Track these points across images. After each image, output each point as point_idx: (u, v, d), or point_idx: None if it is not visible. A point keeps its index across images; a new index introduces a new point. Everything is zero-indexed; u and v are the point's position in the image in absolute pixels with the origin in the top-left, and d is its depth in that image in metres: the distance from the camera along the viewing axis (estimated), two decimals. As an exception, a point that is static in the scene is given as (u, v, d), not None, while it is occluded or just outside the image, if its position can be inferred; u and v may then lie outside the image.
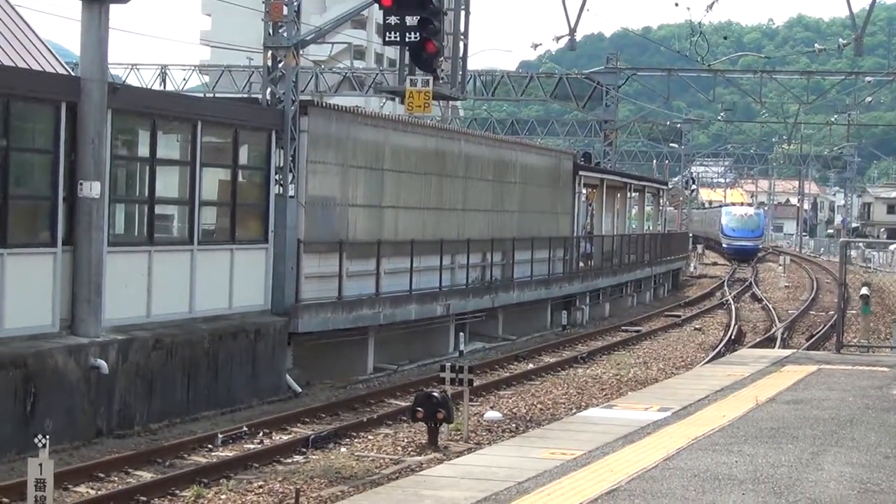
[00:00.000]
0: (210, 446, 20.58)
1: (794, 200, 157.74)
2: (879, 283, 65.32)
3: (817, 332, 40.85)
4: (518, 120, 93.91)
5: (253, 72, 64.66)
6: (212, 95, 59.22)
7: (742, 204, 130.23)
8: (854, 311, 43.14)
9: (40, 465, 13.40)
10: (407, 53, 26.49)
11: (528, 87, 66.05)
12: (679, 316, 49.25)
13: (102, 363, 20.67)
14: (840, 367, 23.00)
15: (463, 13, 27.75)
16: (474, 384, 22.82)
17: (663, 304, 56.24)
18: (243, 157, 27.06)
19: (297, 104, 27.38)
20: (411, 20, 25.27)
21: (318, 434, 21.31)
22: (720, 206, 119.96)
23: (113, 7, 21.80)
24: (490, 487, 11.78)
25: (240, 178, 26.66)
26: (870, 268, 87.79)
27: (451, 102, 59.89)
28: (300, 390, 26.46)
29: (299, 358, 27.35)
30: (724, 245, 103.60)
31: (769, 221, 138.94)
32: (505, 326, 38.76)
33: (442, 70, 26.58)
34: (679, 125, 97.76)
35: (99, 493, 17.08)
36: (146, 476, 18.26)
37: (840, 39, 58.82)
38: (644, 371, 31.94)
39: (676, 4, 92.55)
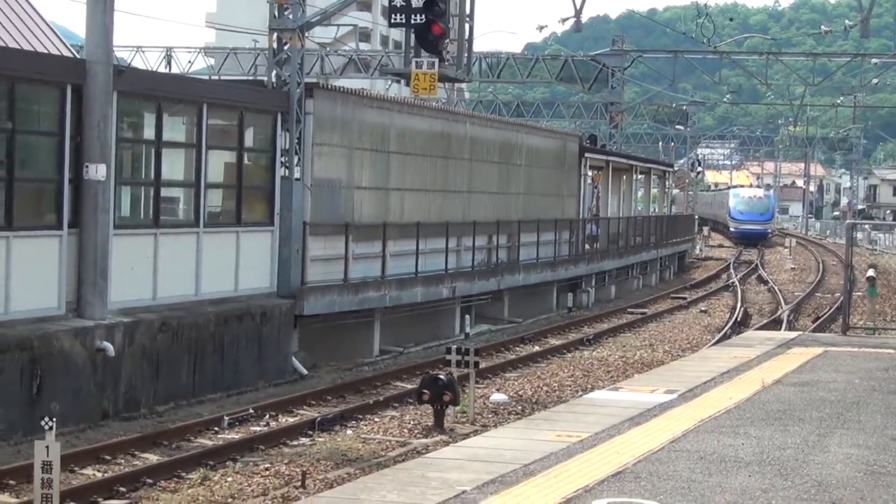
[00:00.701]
0: (216, 429, 20.61)
1: (799, 182, 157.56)
2: (886, 265, 65.25)
3: (823, 315, 40.82)
4: (523, 102, 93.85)
5: (258, 54, 64.56)
6: (217, 78, 59.22)
7: (751, 186, 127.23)
8: (860, 294, 43.10)
9: (47, 447, 13.41)
10: (412, 35, 26.46)
11: (533, 69, 65.88)
12: (685, 298, 49.22)
13: (108, 346, 20.69)
14: (846, 349, 22.98)
15: (468, -5, 27.68)
16: (480, 366, 22.84)
17: (669, 287, 56.21)
18: (249, 139, 27.06)
19: (302, 86, 27.36)
20: (417, 2, 25.25)
21: (324, 416, 21.33)
22: (727, 189, 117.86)
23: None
24: (496, 470, 11.78)
25: (245, 161, 26.65)
26: (876, 250, 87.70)
27: (456, 85, 59.81)
28: (306, 373, 26.49)
29: (305, 340, 27.36)
30: (731, 229, 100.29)
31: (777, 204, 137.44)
32: (511, 309, 38.76)
33: (447, 52, 26.53)
34: (685, 107, 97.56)
35: (105, 475, 17.12)
36: (152, 458, 18.29)
37: (846, 21, 58.76)
38: (650, 353, 31.94)
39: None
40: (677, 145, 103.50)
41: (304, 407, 22.88)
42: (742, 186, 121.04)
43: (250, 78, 58.44)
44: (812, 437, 13.82)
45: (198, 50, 73.50)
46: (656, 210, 68.23)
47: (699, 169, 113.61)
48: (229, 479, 16.93)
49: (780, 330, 34.90)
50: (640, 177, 61.51)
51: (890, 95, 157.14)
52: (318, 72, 62.95)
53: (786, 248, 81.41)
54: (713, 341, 33.27)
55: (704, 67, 70.05)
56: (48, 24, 32.03)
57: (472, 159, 36.48)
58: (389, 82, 74.34)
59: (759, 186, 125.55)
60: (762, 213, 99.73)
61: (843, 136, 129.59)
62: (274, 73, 27.58)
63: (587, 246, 46.97)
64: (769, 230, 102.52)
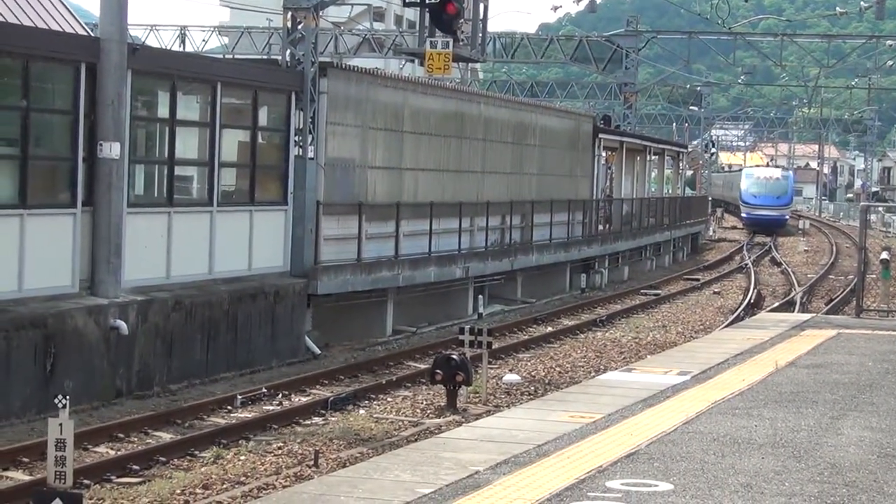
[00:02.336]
0: (229, 407, 20.65)
1: (813, 164, 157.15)
2: (899, 248, 65.08)
3: (837, 297, 40.78)
4: (538, 82, 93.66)
5: (273, 33, 64.46)
6: (231, 57, 59.15)
7: (767, 165, 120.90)
8: (874, 276, 43.04)
9: (60, 425, 13.42)
10: (427, 15, 26.40)
11: (547, 49, 65.73)
12: (698, 279, 49.18)
13: (122, 324, 20.72)
14: (860, 331, 22.97)
15: (483, -25, 27.62)
16: (493, 347, 22.85)
17: (682, 268, 56.16)
18: (263, 118, 27.05)
19: (316, 66, 27.33)
20: (431, -19, 25.16)
21: (337, 396, 21.35)
22: (740, 169, 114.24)
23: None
24: (509, 450, 11.78)
25: (259, 140, 26.65)
26: (890, 232, 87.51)
27: (470, 65, 59.70)
28: (319, 352, 26.51)
29: (318, 320, 27.38)
30: (743, 214, 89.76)
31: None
32: (524, 289, 38.75)
33: (462, 32, 26.47)
34: (699, 88, 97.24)
35: (118, 453, 17.16)
36: (165, 437, 18.33)
37: (861, 2, 58.46)
38: (663, 334, 31.92)
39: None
40: (691, 126, 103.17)
41: (317, 386, 22.90)
42: (757, 166, 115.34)
43: (264, 57, 58.38)
44: (825, 420, 13.81)
45: (212, 29, 73.41)
46: (670, 191, 68.13)
47: (713, 150, 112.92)
48: (242, 457, 16.96)
49: (793, 312, 34.85)
50: (653, 158, 61.40)
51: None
52: (332, 51, 62.79)
53: (799, 230, 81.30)
54: (726, 323, 33.24)
55: (719, 49, 69.77)
56: (62, 2, 32.00)
57: (485, 139, 36.43)
58: (403, 62, 74.14)
59: (775, 166, 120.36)
60: (779, 197, 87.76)
61: (858, 119, 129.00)
62: (288, 52, 27.56)
63: (600, 226, 46.87)
64: (787, 216, 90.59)
